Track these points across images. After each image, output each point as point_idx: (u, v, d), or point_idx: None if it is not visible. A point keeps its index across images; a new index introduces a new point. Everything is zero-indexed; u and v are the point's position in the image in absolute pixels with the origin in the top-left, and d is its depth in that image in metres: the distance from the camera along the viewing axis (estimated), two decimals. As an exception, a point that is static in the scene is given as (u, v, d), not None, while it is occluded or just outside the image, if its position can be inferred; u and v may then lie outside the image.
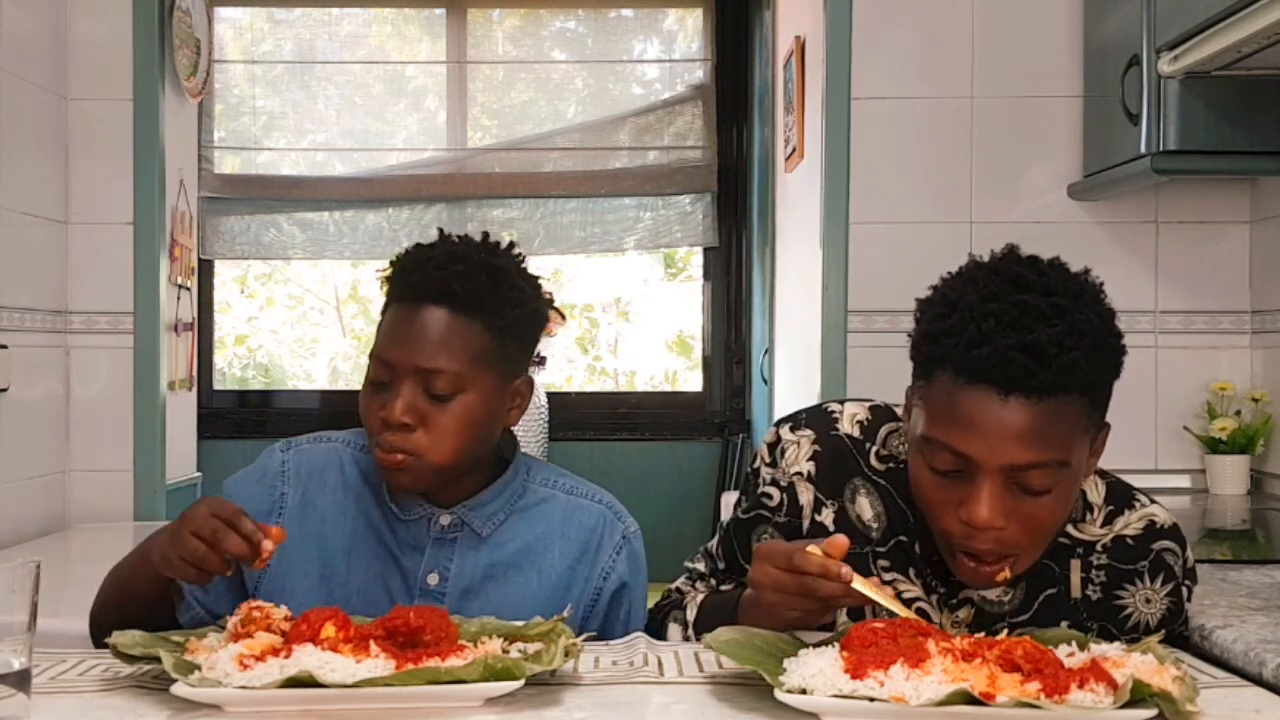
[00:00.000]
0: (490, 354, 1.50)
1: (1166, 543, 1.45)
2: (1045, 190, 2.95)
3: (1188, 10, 2.27)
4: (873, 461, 1.48)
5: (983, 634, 1.24)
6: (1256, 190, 2.92)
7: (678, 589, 1.63)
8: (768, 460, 1.53)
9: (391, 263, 1.58)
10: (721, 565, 1.59)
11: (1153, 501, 1.48)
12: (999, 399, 1.25)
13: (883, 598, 1.26)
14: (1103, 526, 1.44)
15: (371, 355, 1.52)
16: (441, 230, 1.60)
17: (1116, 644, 1.24)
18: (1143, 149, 2.51)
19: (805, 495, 1.49)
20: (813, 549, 1.27)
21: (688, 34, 4.68)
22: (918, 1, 2.97)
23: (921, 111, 2.97)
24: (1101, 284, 1.34)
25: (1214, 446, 2.84)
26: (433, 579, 1.54)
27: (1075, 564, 1.43)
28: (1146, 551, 1.44)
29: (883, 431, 1.49)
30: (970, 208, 2.95)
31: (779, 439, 1.52)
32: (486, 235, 1.59)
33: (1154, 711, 1.08)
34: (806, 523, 1.48)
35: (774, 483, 1.51)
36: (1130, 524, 1.45)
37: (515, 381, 1.56)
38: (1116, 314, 1.33)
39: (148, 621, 1.38)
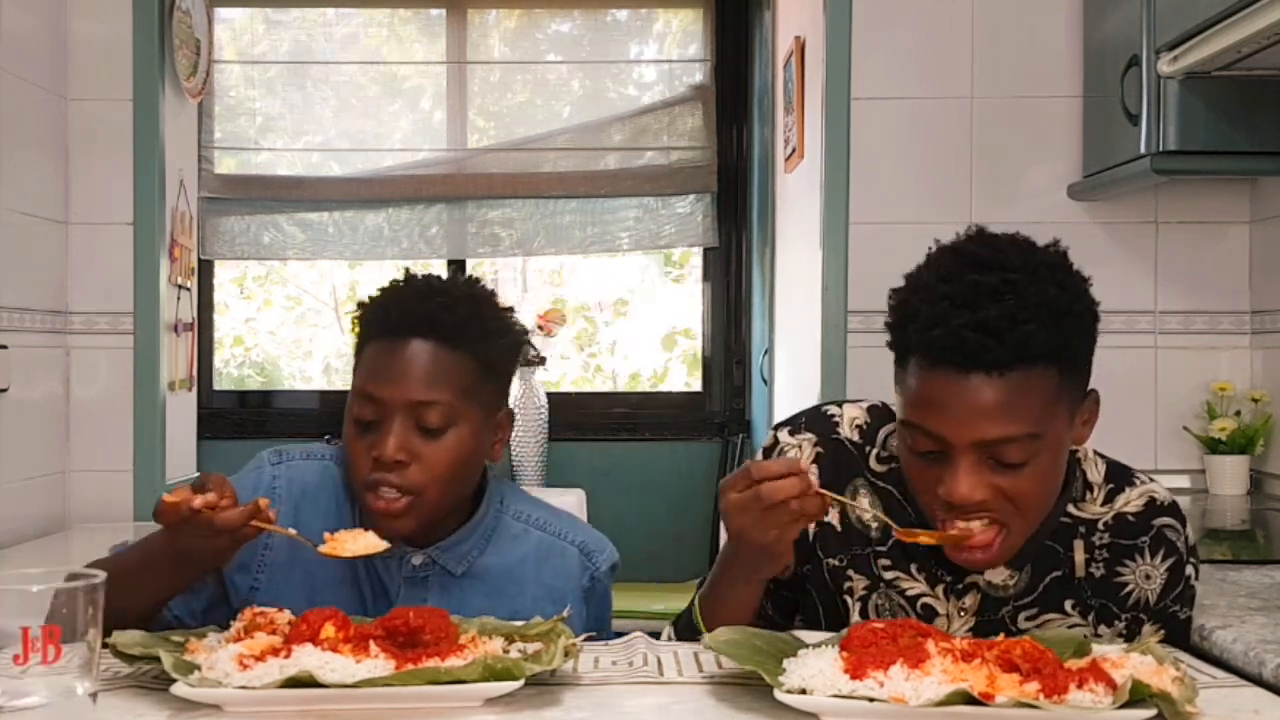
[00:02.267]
0: (476, 386, 1.50)
1: (1167, 519, 1.47)
2: (1045, 190, 2.95)
3: (1188, 10, 2.27)
4: (873, 464, 1.49)
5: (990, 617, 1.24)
6: (1256, 190, 2.92)
7: None
8: None
9: (361, 303, 1.56)
10: None
11: (1151, 479, 1.50)
12: (960, 378, 1.28)
13: (846, 499, 1.29)
14: (1104, 505, 1.46)
15: (354, 392, 1.49)
16: (407, 270, 1.59)
17: (1117, 645, 1.25)
18: (1142, 149, 2.51)
19: None
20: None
21: (687, 34, 4.67)
22: (918, 1, 2.97)
23: (921, 111, 2.96)
24: (1066, 250, 1.37)
25: (1214, 447, 2.84)
26: None
27: (1079, 544, 1.44)
28: (1148, 527, 1.45)
29: (881, 434, 1.50)
30: (970, 208, 2.94)
31: (777, 442, 1.52)
32: (461, 269, 1.57)
33: (1153, 712, 1.08)
34: (811, 525, 1.47)
35: None
36: (1131, 501, 1.46)
37: (498, 414, 1.56)
38: (1088, 280, 1.35)
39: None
